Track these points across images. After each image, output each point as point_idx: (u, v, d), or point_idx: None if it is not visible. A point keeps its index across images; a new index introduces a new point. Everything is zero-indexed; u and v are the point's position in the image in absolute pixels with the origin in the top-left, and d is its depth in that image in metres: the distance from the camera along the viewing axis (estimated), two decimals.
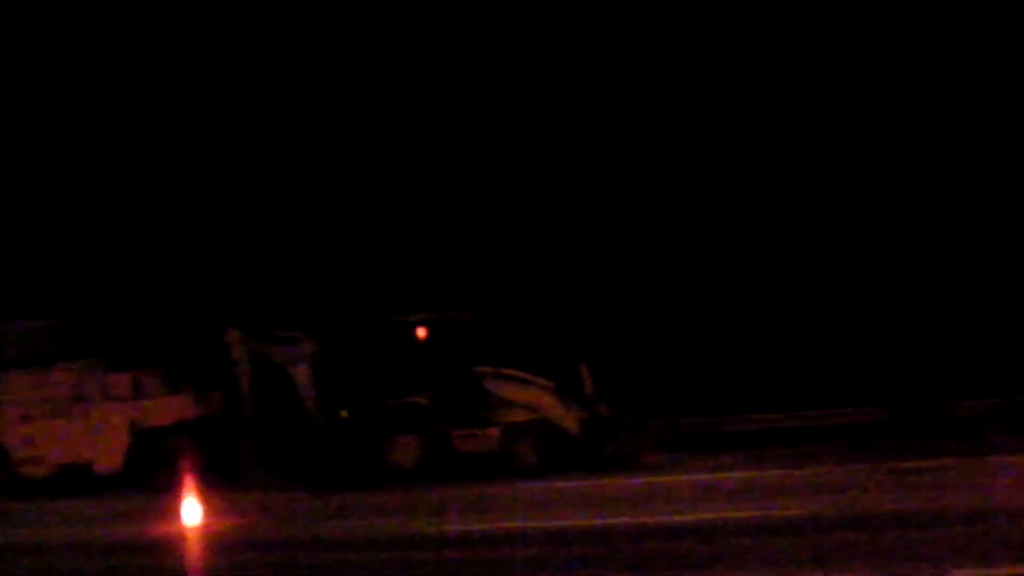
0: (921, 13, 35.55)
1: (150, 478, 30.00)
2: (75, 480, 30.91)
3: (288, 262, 36.02)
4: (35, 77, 39.06)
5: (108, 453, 31.07)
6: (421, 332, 29.85)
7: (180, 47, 38.64)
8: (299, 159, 37.52)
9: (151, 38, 38.88)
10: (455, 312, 30.27)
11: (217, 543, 22.95)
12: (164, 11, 38.89)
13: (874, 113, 36.03)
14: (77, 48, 38.92)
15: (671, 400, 31.11)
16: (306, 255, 36.15)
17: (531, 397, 29.02)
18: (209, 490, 25.69)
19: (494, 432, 28.99)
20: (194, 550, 22.85)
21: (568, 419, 28.75)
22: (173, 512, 24.53)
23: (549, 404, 28.88)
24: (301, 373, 30.21)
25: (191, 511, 24.30)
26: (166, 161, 38.19)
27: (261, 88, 38.24)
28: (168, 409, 31.23)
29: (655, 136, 36.71)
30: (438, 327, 30.01)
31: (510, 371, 29.64)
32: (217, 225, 37.15)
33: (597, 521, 22.30)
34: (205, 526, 24.04)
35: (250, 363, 30.58)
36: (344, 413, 29.72)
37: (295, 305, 32.93)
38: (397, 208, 36.89)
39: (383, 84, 38.26)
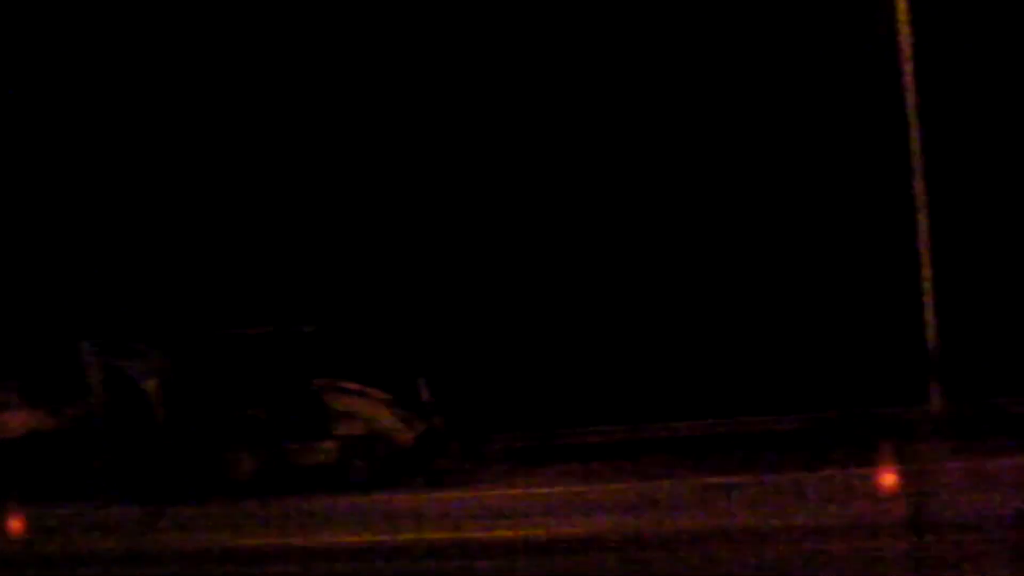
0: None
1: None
2: None
3: (144, 273, 36.37)
4: None
5: None
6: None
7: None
8: (145, 172, 37.80)
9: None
10: (297, 325, 30.72)
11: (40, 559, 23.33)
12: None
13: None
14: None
15: (512, 414, 31.64)
16: (161, 266, 36.49)
17: (367, 410, 29.44)
18: (49, 504, 26.04)
19: (330, 445, 29.42)
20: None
21: (402, 432, 29.25)
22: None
23: (384, 417, 29.37)
24: (151, 386, 30.58)
25: (16, 526, 24.65)
26: (20, 172, 38.38)
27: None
28: (16, 422, 31.33)
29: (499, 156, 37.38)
30: (279, 340, 30.43)
31: (348, 384, 30.04)
32: (74, 237, 37.39)
33: (406, 536, 22.87)
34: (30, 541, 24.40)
35: (103, 377, 30.97)
36: (190, 426, 30.11)
37: (150, 317, 33.28)
38: (244, 220, 37.29)
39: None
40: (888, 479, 22.30)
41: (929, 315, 32.44)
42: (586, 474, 28.67)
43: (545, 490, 26.51)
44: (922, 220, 32.72)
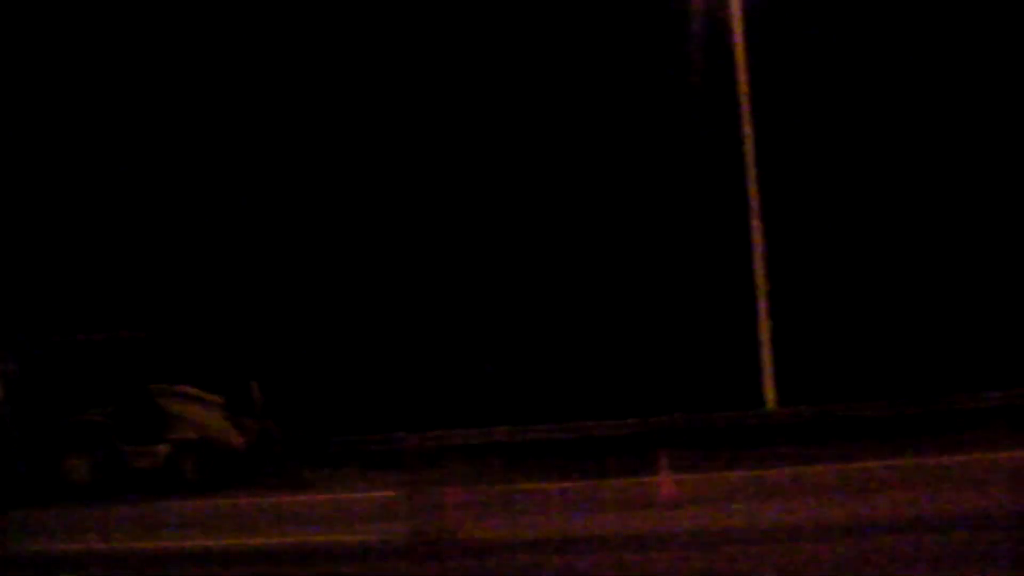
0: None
1: None
2: None
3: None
4: None
5: None
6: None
7: None
8: None
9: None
10: (131, 330, 31.62)
11: None
12: None
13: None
14: None
15: (349, 417, 32.60)
16: (10, 271, 36.92)
17: (199, 414, 30.45)
18: None
19: (164, 449, 30.44)
20: None
21: (233, 436, 30.30)
22: None
23: (215, 420, 30.41)
24: None
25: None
26: None
27: None
28: None
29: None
30: (115, 345, 31.31)
31: (183, 388, 30.94)
32: None
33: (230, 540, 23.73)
34: None
35: None
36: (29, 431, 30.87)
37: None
38: (80, 227, 37.99)
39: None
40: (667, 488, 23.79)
41: (763, 319, 33.58)
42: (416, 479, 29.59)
43: (375, 494, 27.69)
44: (756, 225, 33.74)
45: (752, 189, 33.89)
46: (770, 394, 33.64)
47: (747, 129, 34.01)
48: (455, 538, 20.81)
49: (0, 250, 36.76)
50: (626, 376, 34.56)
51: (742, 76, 34.00)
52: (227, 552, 22.35)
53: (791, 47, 35.75)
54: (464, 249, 37.19)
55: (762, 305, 33.74)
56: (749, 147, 33.97)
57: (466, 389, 34.40)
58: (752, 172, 33.96)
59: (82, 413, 30.81)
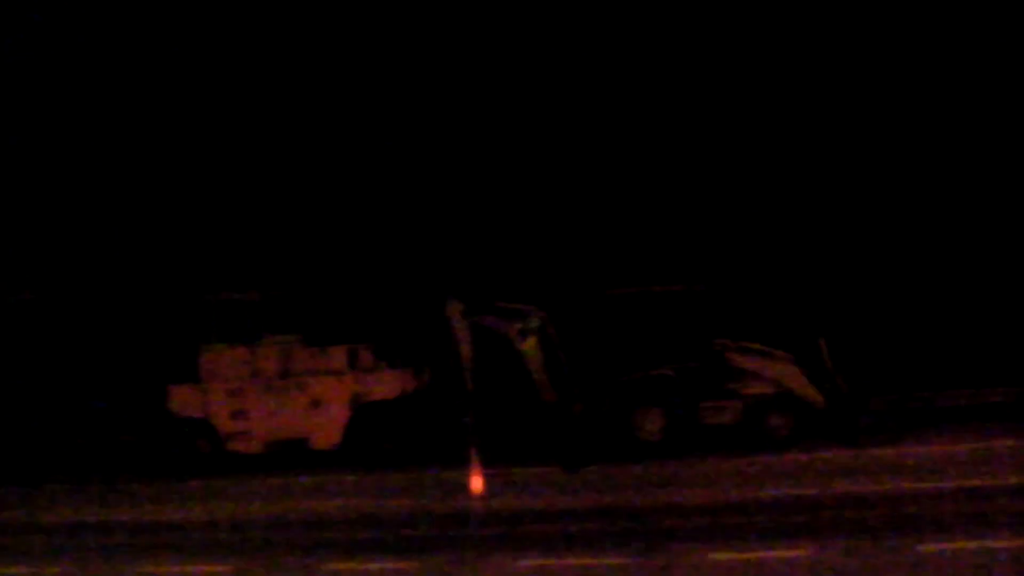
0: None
1: (370, 453, 30.44)
2: (288, 456, 31.00)
3: (503, 236, 36.04)
4: None
5: (326, 428, 30.92)
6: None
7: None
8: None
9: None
10: (688, 285, 30.48)
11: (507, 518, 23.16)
12: None
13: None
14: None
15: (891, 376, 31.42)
16: (525, 228, 36.21)
17: (775, 369, 29.18)
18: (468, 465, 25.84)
19: (737, 404, 29.25)
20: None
21: (812, 391, 28.98)
22: (457, 486, 24.91)
23: (793, 376, 29.09)
24: (529, 346, 29.81)
25: (476, 485, 24.50)
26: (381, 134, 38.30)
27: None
28: (388, 383, 31.14)
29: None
30: (674, 299, 30.19)
31: (750, 344, 29.83)
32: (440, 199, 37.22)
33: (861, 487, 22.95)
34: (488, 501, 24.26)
35: (471, 337, 30.67)
36: (576, 388, 29.96)
37: (513, 279, 32.97)
38: (613, 184, 37.17)
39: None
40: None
41: None
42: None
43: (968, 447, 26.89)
44: None
45: None
46: None
47: None
48: None
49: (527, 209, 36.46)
50: None
51: None
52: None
53: None
54: None
55: None
56: None
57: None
58: None
59: (645, 369, 29.77)
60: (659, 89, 36.89)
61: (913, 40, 35.76)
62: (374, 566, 20.28)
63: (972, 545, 18.49)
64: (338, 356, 31.40)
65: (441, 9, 37.84)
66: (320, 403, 31.09)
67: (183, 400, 31.35)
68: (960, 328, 33.42)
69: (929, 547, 18.56)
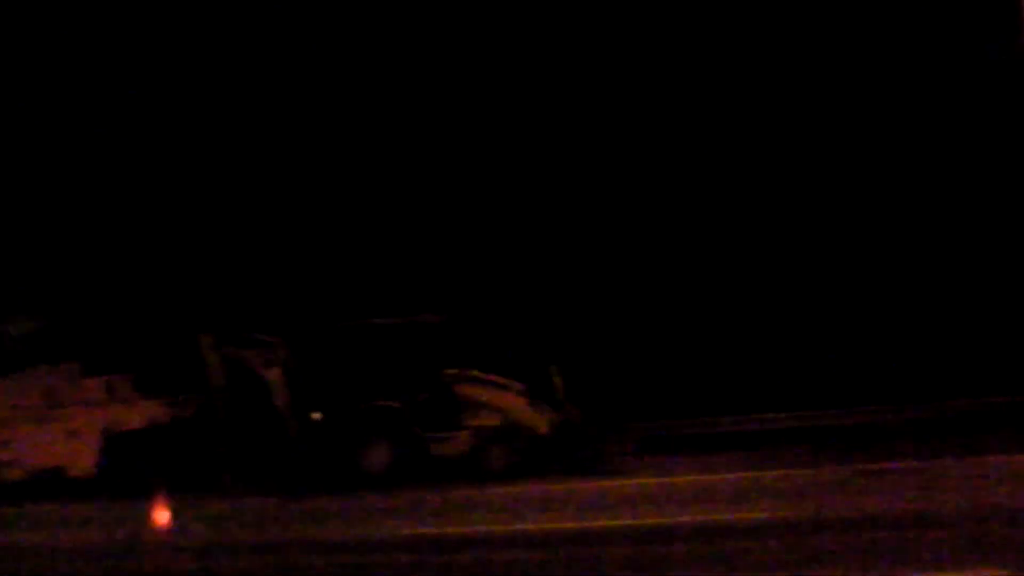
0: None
1: (123, 483, 30.28)
2: (50, 485, 30.70)
3: (259, 267, 36.23)
4: None
5: (81, 457, 30.91)
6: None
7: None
8: (268, 166, 37.87)
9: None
10: (424, 315, 30.46)
11: (188, 547, 23.12)
12: None
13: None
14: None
15: (640, 403, 31.42)
16: (275, 261, 36.40)
17: (501, 400, 29.19)
18: (180, 495, 25.88)
19: (465, 435, 29.19)
20: (164, 554, 23.01)
21: (539, 422, 28.97)
22: (144, 516, 24.77)
23: (519, 407, 29.10)
24: (274, 377, 30.22)
25: (162, 515, 24.47)
26: (145, 169, 38.31)
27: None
28: (140, 413, 31.19)
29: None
30: (407, 331, 30.15)
31: (480, 374, 29.80)
32: (191, 231, 37.34)
33: (570, 524, 22.60)
34: (175, 530, 24.21)
35: (223, 368, 30.66)
36: (315, 416, 29.87)
37: (266, 310, 33.08)
38: (363, 214, 37.36)
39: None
40: None
41: None
42: (704, 465, 28.76)
43: (681, 479, 26.82)
44: None
45: None
46: None
47: None
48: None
49: (286, 239, 36.57)
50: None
51: None
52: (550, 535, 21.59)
53: None
54: (773, 238, 36.05)
55: None
56: None
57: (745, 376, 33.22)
58: None
59: (374, 400, 29.62)
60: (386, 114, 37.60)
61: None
62: None
63: None
64: (96, 387, 31.48)
65: None
66: (76, 433, 31.15)
67: None
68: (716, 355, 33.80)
69: None
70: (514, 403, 29.11)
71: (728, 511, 22.60)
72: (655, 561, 19.03)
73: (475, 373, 29.90)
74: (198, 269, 36.51)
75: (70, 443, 31.08)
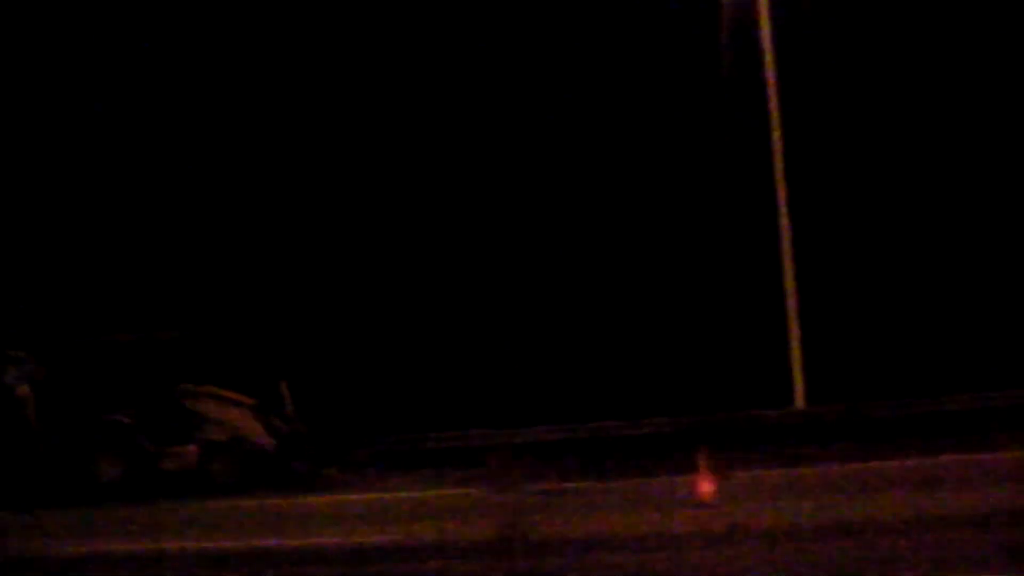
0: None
1: None
2: None
3: (16, 280, 36.78)
4: None
5: None
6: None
7: None
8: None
9: None
10: (160, 331, 31.54)
11: None
12: None
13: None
14: None
15: (379, 419, 32.62)
16: (28, 273, 36.98)
17: (229, 415, 30.40)
18: None
19: (193, 450, 30.40)
20: None
21: (264, 437, 30.24)
22: None
23: (246, 422, 30.31)
24: (23, 392, 31.00)
25: None
26: None
27: None
28: None
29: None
30: (142, 346, 31.22)
31: (211, 389, 30.89)
32: None
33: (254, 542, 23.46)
34: None
35: None
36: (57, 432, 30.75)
37: (21, 324, 33.77)
38: (107, 225, 38.08)
39: None
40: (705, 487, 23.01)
41: (792, 318, 33.59)
42: (439, 479, 29.76)
43: (404, 495, 27.77)
44: (784, 223, 33.73)
45: (780, 188, 33.86)
46: (800, 392, 33.67)
47: (775, 127, 33.92)
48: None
49: (26, 252, 37.04)
50: (656, 376, 34.42)
51: (770, 73, 33.94)
52: (257, 553, 21.75)
53: (818, 43, 35.56)
54: (493, 248, 37.13)
55: (791, 304, 33.94)
56: (777, 146, 33.94)
57: (485, 389, 34.45)
58: (780, 170, 33.93)
59: (108, 414, 30.67)
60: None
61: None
62: None
63: None
64: None
65: None
66: None
67: None
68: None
69: None
70: (241, 418, 30.32)
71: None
72: None
73: (211, 388, 31.00)
74: None
75: None
